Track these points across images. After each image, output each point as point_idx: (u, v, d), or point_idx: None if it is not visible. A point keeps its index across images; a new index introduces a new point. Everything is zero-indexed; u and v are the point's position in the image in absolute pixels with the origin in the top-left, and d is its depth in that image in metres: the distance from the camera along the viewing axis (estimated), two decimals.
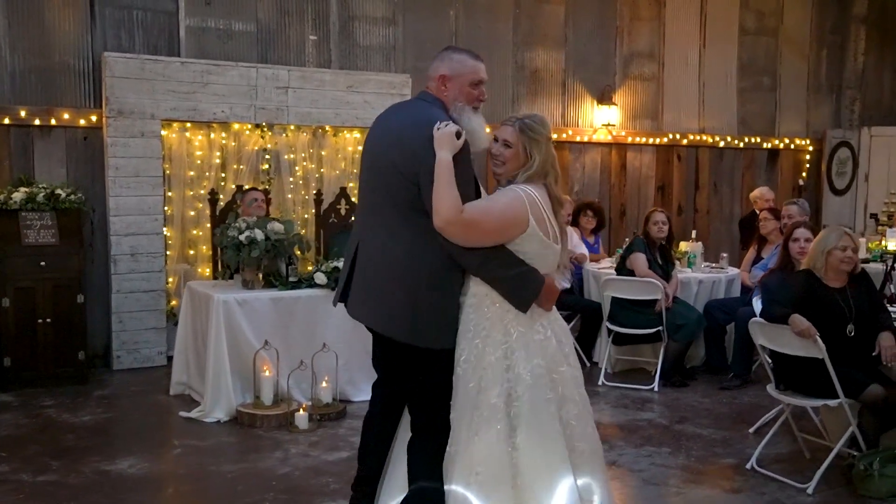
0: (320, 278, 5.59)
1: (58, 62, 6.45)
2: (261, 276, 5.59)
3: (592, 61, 8.92)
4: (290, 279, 5.65)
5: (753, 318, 4.47)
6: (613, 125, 9.00)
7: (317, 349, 5.34)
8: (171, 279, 6.87)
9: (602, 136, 9.01)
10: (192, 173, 6.93)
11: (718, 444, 4.99)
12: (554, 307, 2.98)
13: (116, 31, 6.63)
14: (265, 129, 7.07)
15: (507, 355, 2.77)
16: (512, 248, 2.77)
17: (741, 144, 10.00)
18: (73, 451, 4.72)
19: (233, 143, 7.06)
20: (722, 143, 9.87)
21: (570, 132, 8.82)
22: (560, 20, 8.71)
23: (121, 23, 6.65)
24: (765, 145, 10.16)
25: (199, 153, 6.95)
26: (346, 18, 7.57)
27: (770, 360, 4.55)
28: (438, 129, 2.87)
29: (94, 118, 6.52)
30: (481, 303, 2.87)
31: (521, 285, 2.80)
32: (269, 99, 6.98)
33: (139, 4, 6.70)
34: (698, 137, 9.71)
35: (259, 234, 5.40)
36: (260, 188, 6.64)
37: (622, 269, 6.44)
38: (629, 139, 9.24)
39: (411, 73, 7.70)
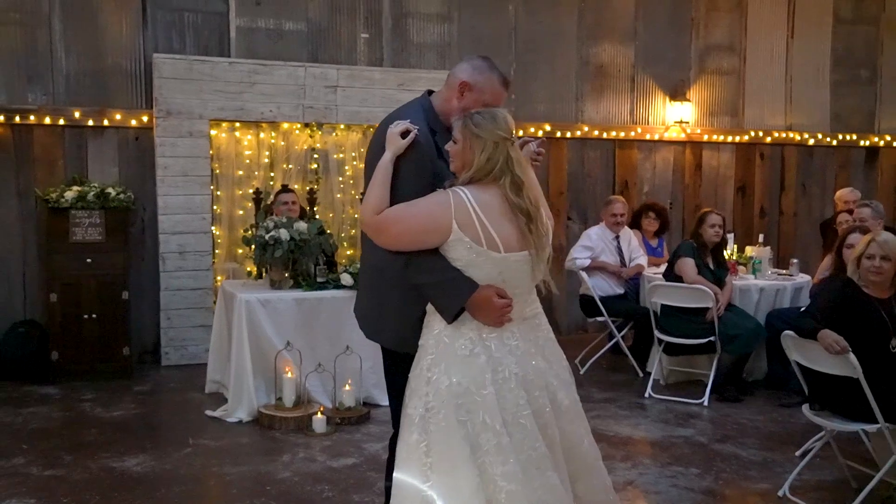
0: (346, 279, 5.49)
1: (111, 64, 6.61)
2: (288, 275, 5.53)
3: (664, 55, 8.49)
4: (318, 280, 5.57)
5: (786, 332, 4.06)
6: (687, 122, 8.53)
7: (341, 351, 5.24)
8: (219, 277, 6.93)
9: (675, 133, 8.55)
10: (240, 172, 6.98)
11: (756, 466, 4.58)
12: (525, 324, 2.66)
13: (168, 33, 6.74)
14: (314, 129, 7.04)
15: (429, 367, 2.57)
16: (445, 254, 2.57)
17: (834, 142, 9.31)
18: (89, 446, 4.78)
19: (282, 143, 7.07)
20: (812, 141, 9.22)
21: (638, 130, 8.42)
22: (629, 13, 8.32)
23: (172, 25, 6.75)
24: (862, 143, 9.42)
25: (247, 153, 6.99)
26: (399, 15, 7.46)
27: (803, 378, 4.12)
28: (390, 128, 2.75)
29: (144, 118, 6.65)
30: (429, 309, 2.71)
31: (443, 293, 2.59)
32: (317, 98, 6.95)
33: (190, 6, 6.79)
34: (784, 135, 9.09)
35: (284, 234, 5.35)
36: (292, 189, 6.59)
37: (670, 274, 6.05)
38: (705, 137, 8.75)
39: None
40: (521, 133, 7.78)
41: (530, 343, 2.66)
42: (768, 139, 9.01)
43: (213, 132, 6.79)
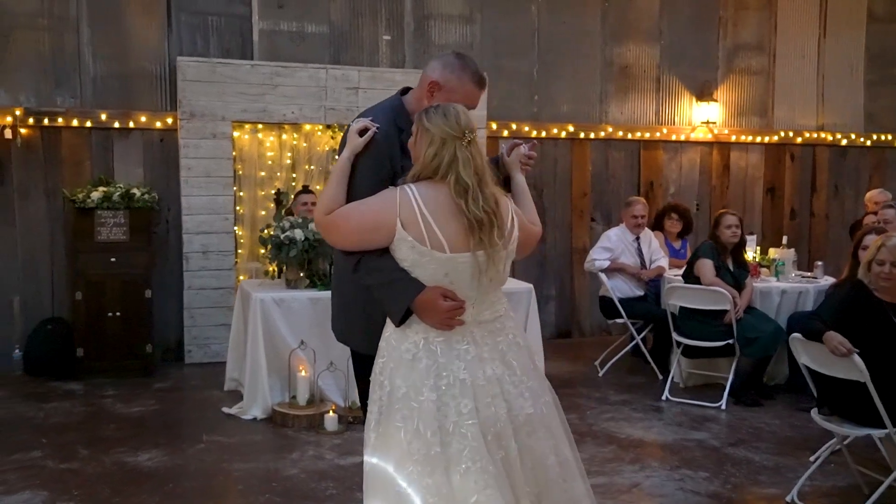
0: None
1: (136, 67, 6.74)
2: (303, 275, 5.59)
3: (690, 55, 8.40)
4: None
5: (794, 334, 4.00)
6: (714, 123, 8.43)
7: None
8: (242, 277, 7.02)
9: (701, 134, 8.46)
10: (262, 173, 7.07)
11: (767, 471, 4.51)
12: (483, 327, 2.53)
13: (192, 36, 6.85)
14: (335, 130, 7.10)
15: (381, 371, 2.53)
16: (394, 254, 2.49)
17: (868, 143, 9.13)
18: (106, 441, 4.88)
19: (304, 144, 7.15)
20: (845, 142, 9.05)
21: (664, 131, 8.34)
22: (654, 12, 8.25)
23: (196, 28, 6.86)
24: None
25: (270, 154, 7.09)
26: (421, 17, 7.49)
27: (813, 382, 4.05)
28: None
29: (169, 120, 6.77)
30: None
31: (389, 295, 2.52)
32: (338, 100, 7.01)
33: (214, 10, 6.90)
34: (816, 135, 8.94)
35: (298, 235, 5.41)
36: (312, 190, 6.64)
37: (689, 276, 5.98)
38: (733, 138, 8.63)
39: (488, 72, 7.48)
40: (543, 134, 7.79)
41: (487, 348, 2.52)
42: (799, 139, 8.86)
43: (235, 134, 6.89)
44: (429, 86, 2.75)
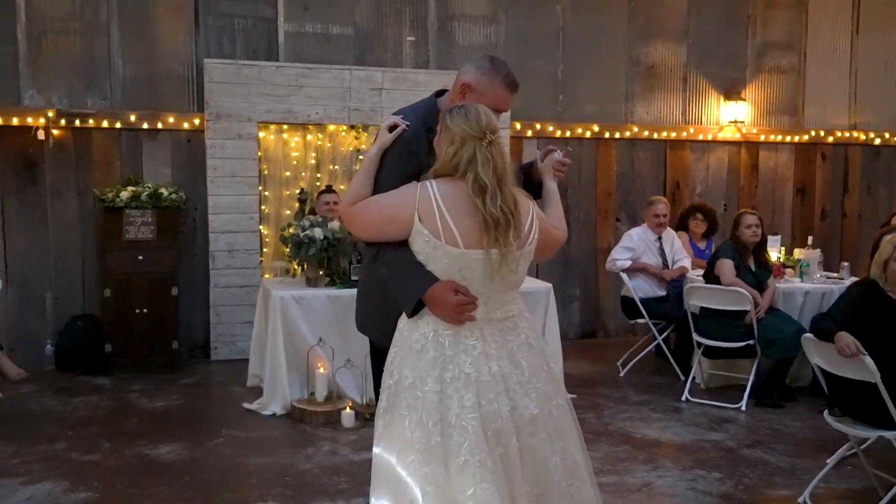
0: None
1: (164, 69, 6.88)
2: (322, 273, 5.66)
3: (718, 54, 8.32)
4: (353, 278, 5.67)
5: (805, 334, 3.96)
6: (742, 122, 8.35)
7: None
8: (266, 275, 7.12)
9: (729, 133, 8.38)
10: (287, 173, 7.17)
11: (782, 473, 4.47)
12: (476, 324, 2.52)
13: (218, 39, 6.97)
14: (359, 131, 7.17)
15: (392, 360, 2.60)
16: (411, 247, 2.57)
17: None
18: (128, 434, 5.00)
19: (328, 144, 7.23)
20: (878, 141, 8.91)
21: (691, 130, 8.28)
22: (682, 11, 8.20)
23: (223, 30, 6.98)
24: None
25: (294, 154, 7.18)
26: (445, 18, 7.53)
27: (825, 382, 4.01)
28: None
29: (196, 121, 6.89)
30: None
31: (402, 286, 2.59)
32: (362, 100, 7.08)
33: (240, 12, 7.01)
34: (848, 134, 8.81)
35: (318, 233, 5.48)
36: (335, 189, 6.71)
37: (709, 276, 5.94)
38: (762, 137, 8.54)
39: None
40: (567, 134, 7.79)
41: (496, 345, 2.54)
42: (830, 139, 8.74)
43: (261, 134, 7.00)
44: (461, 87, 2.84)
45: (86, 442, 4.84)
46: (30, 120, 6.54)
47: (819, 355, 3.92)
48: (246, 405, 5.58)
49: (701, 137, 8.33)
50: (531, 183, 2.97)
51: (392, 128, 2.78)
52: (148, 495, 4.09)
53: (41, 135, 6.54)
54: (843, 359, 3.69)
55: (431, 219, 2.47)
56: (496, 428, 2.44)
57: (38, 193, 6.66)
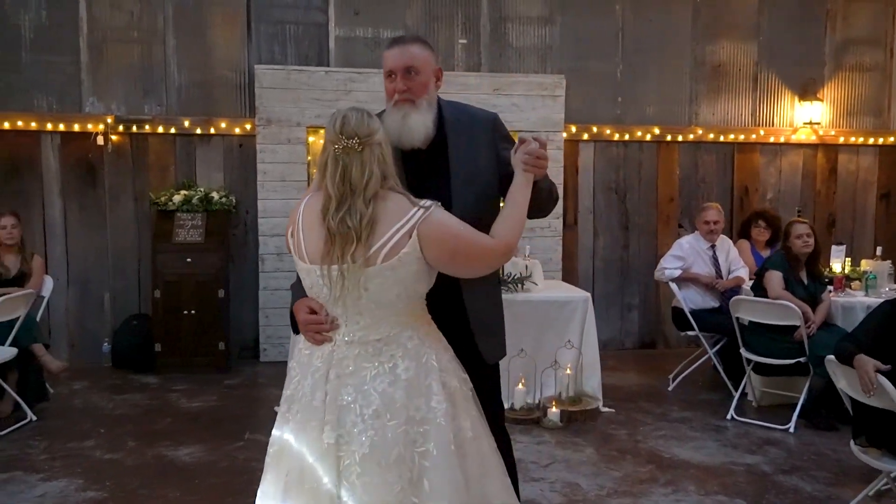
0: None
1: (218, 76, 7.02)
2: None
3: (792, 52, 7.87)
4: None
5: (828, 356, 3.66)
6: (819, 123, 7.87)
7: None
8: None
9: (804, 135, 7.92)
10: None
11: (813, 503, 4.15)
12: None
13: (270, 45, 7.07)
14: None
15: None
16: None
17: None
18: (155, 434, 5.11)
19: None
20: None
21: (761, 132, 7.86)
22: (752, 8, 7.80)
23: (274, 37, 7.08)
24: None
25: None
26: (498, 20, 7.40)
27: (851, 408, 3.70)
28: None
29: (248, 126, 7.01)
30: None
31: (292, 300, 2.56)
32: None
33: (291, 18, 7.09)
34: None
35: None
36: None
37: (758, 288, 5.61)
38: (841, 139, 8.03)
39: (568, 74, 7.35)
40: (626, 137, 7.53)
41: (347, 372, 2.28)
42: None
43: (310, 139, 7.05)
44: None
45: (113, 441, 4.98)
46: (90, 126, 6.80)
47: (844, 378, 3.62)
48: (277, 409, 5.59)
49: (772, 140, 7.90)
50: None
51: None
52: (155, 497, 4.15)
53: (101, 140, 6.79)
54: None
55: (295, 232, 2.38)
56: (313, 459, 2.27)
57: (97, 197, 6.92)
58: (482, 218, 2.46)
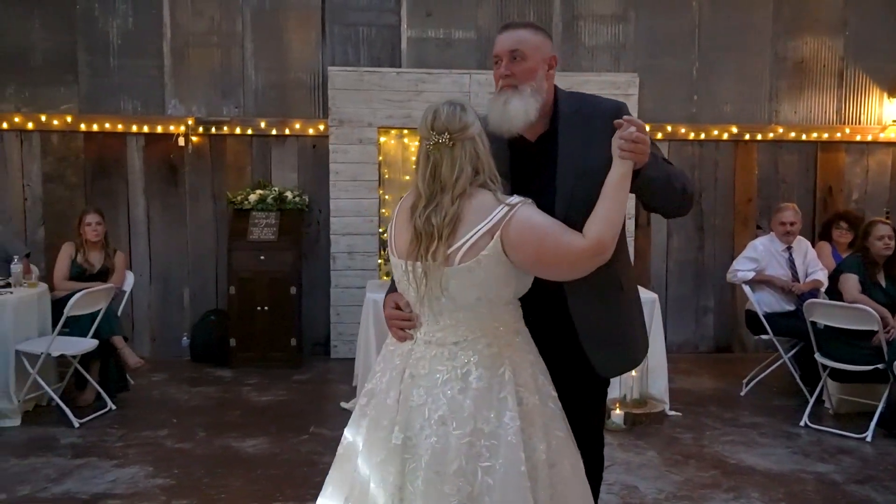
0: None
1: (293, 78, 7.19)
2: None
3: (882, 47, 7.54)
4: None
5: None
6: None
7: None
8: (384, 277, 7.26)
9: (893, 134, 7.58)
10: (407, 178, 7.26)
11: None
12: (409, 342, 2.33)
13: (343, 47, 7.20)
14: None
15: None
16: None
17: None
18: (224, 426, 5.27)
19: None
20: None
21: (847, 130, 7.56)
22: (838, 2, 7.50)
23: (348, 39, 7.20)
24: None
25: (414, 158, 7.24)
26: (570, 18, 7.34)
27: None
28: None
29: (321, 127, 7.15)
30: None
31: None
32: (482, 104, 7.02)
33: (364, 21, 7.20)
34: None
35: None
36: None
37: (833, 291, 5.40)
38: None
39: (642, 73, 7.24)
40: (702, 136, 7.38)
41: (421, 373, 2.25)
42: None
43: (381, 139, 7.15)
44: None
45: (184, 431, 5.16)
46: (172, 128, 7.05)
47: None
48: (343, 404, 5.71)
49: (859, 138, 7.59)
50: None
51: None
52: (217, 485, 4.29)
53: (181, 141, 7.04)
54: None
55: (390, 227, 2.43)
56: (381, 457, 2.23)
57: (178, 196, 7.18)
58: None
